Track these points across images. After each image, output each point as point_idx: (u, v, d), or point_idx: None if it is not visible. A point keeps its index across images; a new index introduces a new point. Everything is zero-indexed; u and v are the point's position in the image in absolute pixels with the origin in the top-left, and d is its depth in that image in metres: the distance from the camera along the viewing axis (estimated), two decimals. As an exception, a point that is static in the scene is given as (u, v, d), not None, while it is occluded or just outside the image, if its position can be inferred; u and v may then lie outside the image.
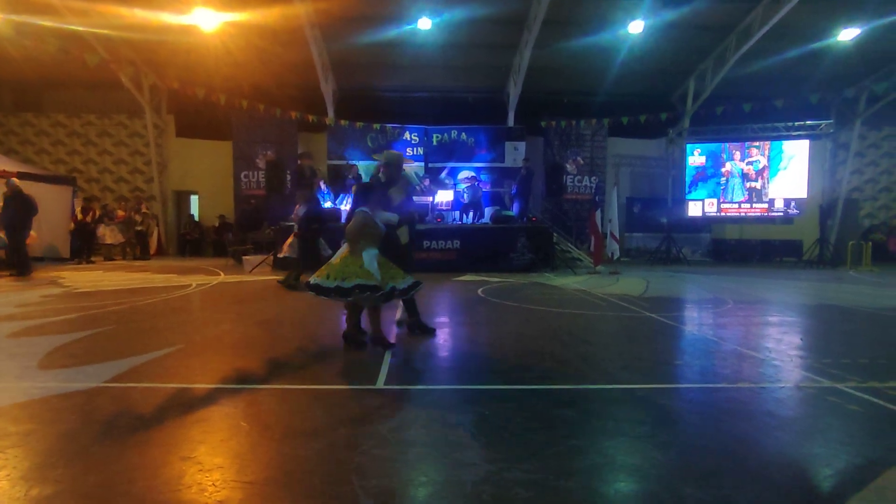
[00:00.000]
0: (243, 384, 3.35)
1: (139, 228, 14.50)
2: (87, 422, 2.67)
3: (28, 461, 2.23)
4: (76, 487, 2.02)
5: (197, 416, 2.77)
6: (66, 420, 2.69)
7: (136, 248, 14.53)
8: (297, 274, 8.14)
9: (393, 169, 5.01)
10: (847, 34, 13.03)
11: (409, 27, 13.10)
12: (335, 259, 4.31)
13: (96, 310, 6.08)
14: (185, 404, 2.95)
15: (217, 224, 16.14)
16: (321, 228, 8.44)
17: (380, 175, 5.03)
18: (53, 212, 12.59)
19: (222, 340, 4.65)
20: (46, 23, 11.54)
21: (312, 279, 4.24)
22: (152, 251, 15.12)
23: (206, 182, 16.53)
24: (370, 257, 4.15)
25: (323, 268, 4.33)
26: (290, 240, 9.05)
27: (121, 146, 16.39)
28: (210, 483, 2.05)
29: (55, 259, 12.59)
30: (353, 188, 4.78)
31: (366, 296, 4.07)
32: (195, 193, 17.24)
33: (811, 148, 15.38)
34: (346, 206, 12.42)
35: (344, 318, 4.76)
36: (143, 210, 14.86)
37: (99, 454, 2.30)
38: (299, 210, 8.43)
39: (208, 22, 12.10)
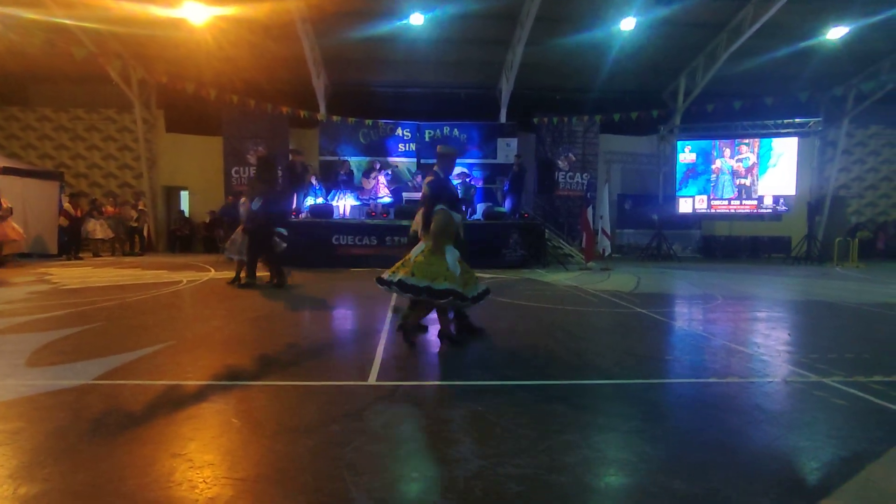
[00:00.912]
0: (234, 381, 3.34)
1: (134, 224, 14.35)
2: (75, 419, 2.65)
3: (16, 459, 2.20)
4: (65, 486, 2.01)
5: (187, 413, 2.76)
6: (54, 418, 2.67)
7: (126, 244, 14.39)
8: (252, 271, 7.67)
9: (448, 162, 4.96)
10: (835, 33, 13.17)
11: (402, 22, 13.04)
12: (416, 256, 4.23)
13: (85, 306, 6.01)
14: (176, 401, 2.93)
15: (207, 220, 16.01)
16: (272, 231, 7.82)
17: (436, 169, 4.90)
18: (40, 208, 12.43)
19: (213, 337, 4.63)
20: (32, 16, 11.34)
21: (392, 275, 4.20)
22: (143, 247, 14.98)
23: (196, 178, 16.38)
24: (454, 259, 4.14)
25: (400, 264, 4.29)
26: (234, 236, 8.09)
27: (109, 141, 16.20)
28: (201, 480, 2.04)
29: (42, 255, 12.43)
30: (427, 184, 4.58)
31: (450, 300, 4.04)
32: (185, 189, 17.09)
33: (800, 145, 15.54)
34: (338, 201, 12.41)
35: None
36: (141, 207, 14.71)
37: (88, 452, 2.29)
38: (253, 204, 7.63)
39: (198, 16, 11.97)
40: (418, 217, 4.94)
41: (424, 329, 4.97)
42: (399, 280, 4.12)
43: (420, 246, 4.35)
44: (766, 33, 13.13)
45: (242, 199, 7.95)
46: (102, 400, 2.94)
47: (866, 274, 11.44)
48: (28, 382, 3.24)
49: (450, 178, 4.90)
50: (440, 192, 4.45)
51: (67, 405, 2.85)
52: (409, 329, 4.32)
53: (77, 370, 3.50)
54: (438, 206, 4.27)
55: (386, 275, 4.33)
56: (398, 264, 4.36)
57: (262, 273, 8.06)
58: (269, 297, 7.06)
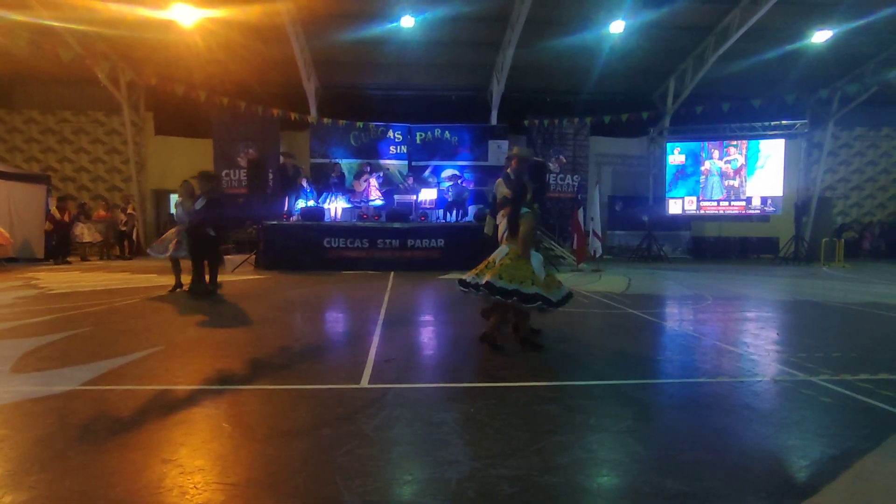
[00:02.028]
0: (225, 385, 3.31)
1: (123, 228, 14.20)
2: (63, 426, 2.61)
3: (1, 467, 2.17)
4: (52, 493, 1.98)
5: (178, 418, 2.73)
6: (41, 424, 2.63)
7: (115, 247, 14.23)
8: (214, 276, 7.30)
9: (524, 164, 4.92)
10: (820, 36, 13.37)
11: (392, 25, 13.04)
12: (502, 259, 4.19)
13: (73, 311, 5.93)
14: (166, 406, 2.90)
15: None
16: (221, 236, 7.54)
17: (508, 171, 4.86)
18: (27, 211, 12.27)
19: (203, 341, 4.59)
20: (17, 17, 11.20)
21: (477, 277, 4.17)
22: (133, 250, 14.83)
23: (185, 181, 16.23)
24: (539, 263, 4.13)
25: (484, 266, 4.25)
26: (165, 235, 7.62)
27: (97, 144, 16.03)
28: (191, 486, 2.02)
29: (29, 259, 12.26)
30: (506, 187, 4.51)
31: (538, 305, 4.01)
32: (174, 193, 16.93)
33: (787, 147, 15.74)
34: (329, 204, 12.37)
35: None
36: (130, 210, 14.56)
37: (76, 459, 2.25)
38: (196, 203, 7.18)
39: (187, 17, 11.88)
40: (488, 220, 4.89)
41: (503, 333, 4.87)
42: (487, 282, 4.06)
43: (504, 249, 4.30)
44: (753, 36, 13.30)
45: (179, 199, 7.52)
46: (90, 406, 2.90)
47: (852, 274, 11.60)
48: (13, 389, 3.19)
49: (522, 181, 4.83)
50: (523, 194, 4.39)
51: (54, 411, 2.82)
52: (491, 336, 4.28)
53: (64, 376, 3.46)
54: (525, 210, 4.24)
55: (468, 277, 4.30)
56: (481, 267, 4.32)
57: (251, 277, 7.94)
58: (260, 300, 7.01)
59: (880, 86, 14.19)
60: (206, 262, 7.19)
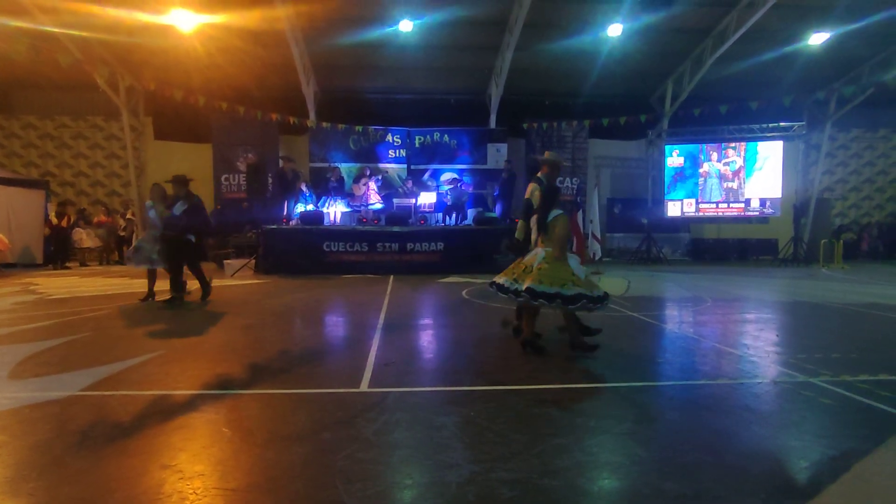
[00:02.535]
0: (225, 390, 3.31)
1: (122, 234, 14.19)
2: (61, 432, 2.60)
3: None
4: (51, 499, 1.97)
5: (177, 424, 2.72)
6: (39, 431, 2.62)
7: (114, 252, 14.22)
8: (181, 285, 6.92)
9: (556, 170, 4.91)
10: (817, 38, 13.42)
11: (391, 29, 13.08)
12: (539, 263, 4.18)
13: (71, 316, 5.93)
14: (165, 412, 2.89)
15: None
16: (201, 242, 7.26)
17: (539, 175, 4.87)
18: (26, 216, 12.27)
19: (203, 346, 4.58)
20: (17, 23, 11.22)
21: (514, 283, 4.16)
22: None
23: (185, 185, 16.23)
24: (576, 263, 4.13)
25: (522, 270, 4.23)
26: (140, 243, 7.13)
27: (96, 149, 16.03)
28: (191, 491, 2.02)
29: (28, 265, 12.25)
30: (541, 191, 4.49)
31: (582, 304, 4.00)
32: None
33: (784, 149, 15.77)
34: (328, 208, 12.38)
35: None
36: (129, 216, 14.56)
37: (74, 465, 2.25)
38: (175, 209, 6.86)
39: (186, 23, 11.91)
40: (520, 224, 4.86)
41: (538, 336, 4.85)
42: (529, 288, 4.05)
43: (539, 252, 4.28)
44: (751, 39, 13.35)
45: (148, 202, 7.11)
46: (89, 411, 2.90)
47: (851, 275, 11.62)
48: (11, 395, 3.18)
49: (554, 184, 4.82)
50: (554, 197, 4.39)
51: (53, 417, 2.81)
52: (531, 341, 4.26)
53: (63, 381, 3.45)
54: (558, 212, 4.24)
55: (503, 281, 4.28)
56: (517, 271, 4.30)
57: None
58: (260, 304, 7.01)
59: (877, 88, 14.23)
60: (185, 268, 6.97)
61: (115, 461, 2.28)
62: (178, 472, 2.17)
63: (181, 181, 7.10)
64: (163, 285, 7.11)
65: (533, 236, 4.52)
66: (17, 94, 15.73)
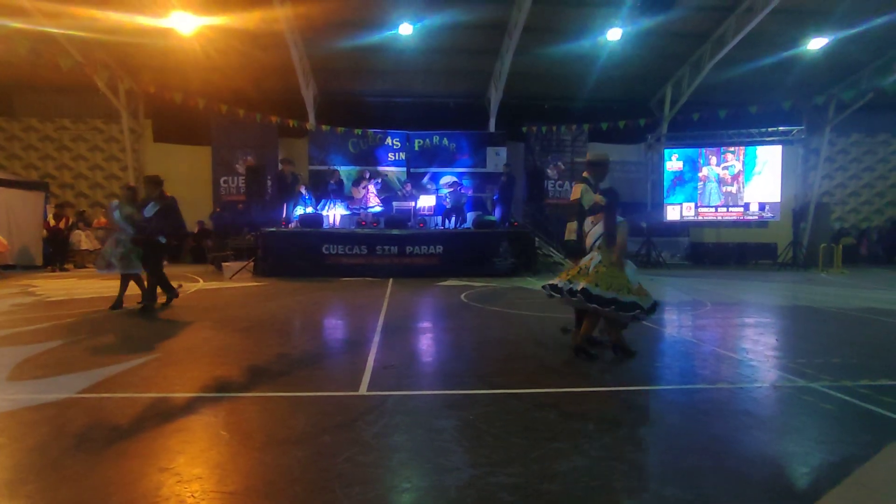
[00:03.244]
0: (223, 393, 3.30)
1: None
2: (59, 434, 2.59)
3: (-3, 476, 2.15)
4: (48, 502, 1.96)
5: (175, 426, 2.71)
6: (36, 433, 2.61)
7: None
8: (153, 292, 6.68)
9: (601, 169, 4.86)
10: (816, 43, 13.47)
11: (391, 32, 13.12)
12: (597, 266, 4.16)
13: (70, 319, 5.91)
14: (163, 414, 2.88)
15: (196, 230, 15.87)
16: (172, 244, 6.97)
17: (584, 175, 4.80)
18: (25, 219, 12.25)
19: (201, 348, 4.57)
20: (17, 25, 11.24)
21: (569, 283, 4.15)
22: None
23: (184, 188, 16.21)
24: (633, 271, 4.13)
25: (576, 272, 4.22)
26: (106, 247, 6.70)
27: (96, 151, 16.04)
28: (189, 494, 2.01)
29: (27, 267, 12.23)
30: (602, 196, 4.44)
31: (636, 313, 4.01)
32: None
33: (784, 153, 15.80)
34: (328, 210, 12.38)
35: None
36: None
37: (72, 467, 2.24)
38: (146, 210, 6.57)
39: (186, 25, 11.94)
40: (570, 226, 4.84)
41: (598, 343, 4.80)
42: (584, 289, 4.03)
43: (596, 256, 4.26)
44: (749, 43, 13.40)
45: (114, 202, 6.77)
46: (87, 414, 2.89)
47: (850, 279, 11.62)
48: (9, 397, 3.17)
49: (600, 185, 4.77)
50: (616, 202, 4.36)
51: (50, 419, 2.80)
52: (584, 347, 4.25)
53: (60, 384, 3.44)
54: (620, 219, 4.23)
55: (558, 282, 4.27)
56: (573, 273, 4.29)
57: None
58: (259, 307, 7.00)
59: (875, 92, 14.29)
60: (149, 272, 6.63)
61: (112, 464, 2.27)
62: (176, 475, 2.16)
63: (154, 182, 6.83)
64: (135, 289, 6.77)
65: (588, 241, 4.50)
66: (18, 96, 15.75)
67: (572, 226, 4.80)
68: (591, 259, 4.26)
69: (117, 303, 6.57)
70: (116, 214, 6.57)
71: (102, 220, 13.98)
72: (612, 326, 4.29)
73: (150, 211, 6.59)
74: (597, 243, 4.31)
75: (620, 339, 4.29)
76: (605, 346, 4.49)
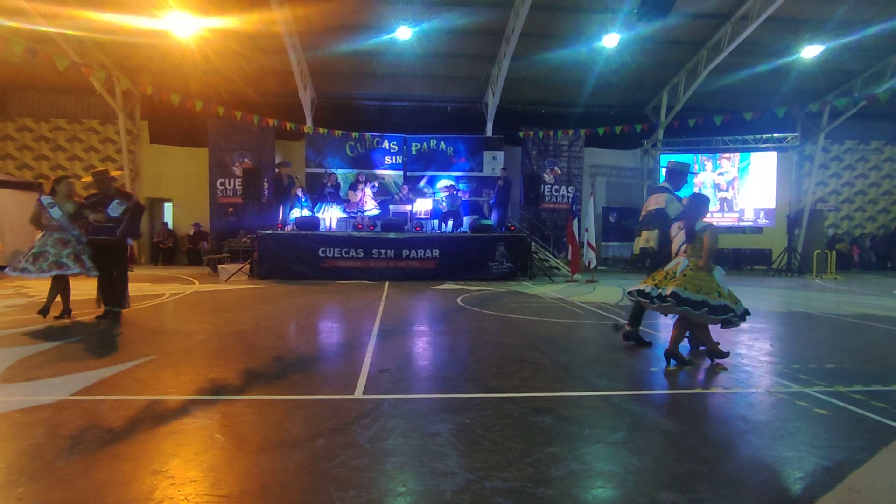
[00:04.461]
0: (218, 395, 3.28)
1: None
2: (52, 436, 2.57)
3: (-12, 479, 2.13)
4: (40, 505, 1.95)
5: (169, 429, 2.70)
6: (29, 435, 2.59)
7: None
8: (123, 296, 6.17)
9: (680, 177, 4.87)
10: (810, 51, 13.61)
11: (389, 36, 13.15)
12: (684, 270, 4.17)
13: (63, 320, 5.87)
14: (157, 417, 2.87)
15: (192, 232, 15.82)
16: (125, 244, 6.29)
17: (665, 184, 4.89)
18: (19, 220, 12.16)
19: (196, 351, 4.55)
20: (14, 24, 11.21)
21: (656, 288, 4.15)
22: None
23: (180, 189, 16.22)
24: (721, 276, 4.14)
25: (662, 277, 4.22)
26: (46, 248, 5.83)
27: (91, 152, 15.98)
28: (182, 498, 2.00)
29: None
30: (688, 200, 4.45)
31: (729, 316, 4.02)
32: (169, 201, 16.90)
33: (778, 160, 15.93)
34: (324, 213, 12.37)
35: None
36: None
37: (65, 470, 2.22)
38: (110, 209, 5.93)
39: (184, 27, 11.93)
40: (647, 234, 4.86)
41: (649, 344, 4.89)
42: (673, 293, 4.04)
43: (682, 261, 4.28)
44: (745, 51, 13.53)
45: (46, 198, 5.94)
46: (80, 416, 2.87)
47: (844, 285, 11.70)
48: (2, 399, 3.14)
49: (678, 193, 4.84)
50: (700, 208, 4.39)
51: (43, 422, 2.78)
52: (675, 350, 4.25)
53: (54, 385, 3.42)
54: (707, 224, 4.25)
55: (645, 287, 4.27)
56: (659, 278, 4.29)
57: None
58: (255, 309, 6.98)
59: (869, 100, 14.42)
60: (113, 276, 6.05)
61: (106, 466, 2.26)
62: (170, 477, 2.15)
63: (107, 178, 6.18)
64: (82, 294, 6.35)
65: (674, 246, 4.51)
66: (13, 96, 15.70)
67: (649, 234, 4.82)
68: (678, 264, 4.29)
69: (67, 309, 5.96)
70: (57, 212, 5.85)
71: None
72: (703, 331, 4.28)
73: (115, 210, 5.94)
74: (682, 248, 4.35)
75: (713, 345, 4.28)
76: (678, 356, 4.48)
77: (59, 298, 5.99)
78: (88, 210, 5.99)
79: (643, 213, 5.08)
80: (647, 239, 4.89)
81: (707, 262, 4.17)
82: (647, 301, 4.32)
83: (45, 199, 5.93)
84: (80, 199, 6.24)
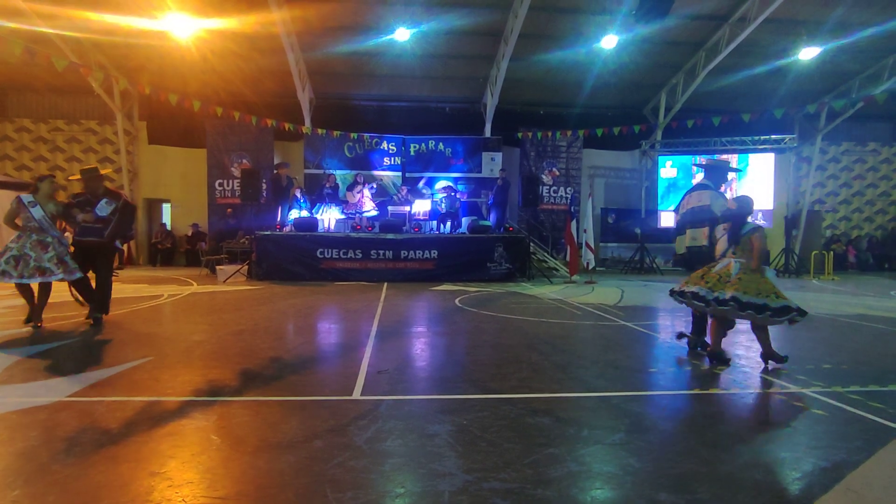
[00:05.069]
0: (215, 397, 3.27)
1: None
2: (48, 438, 2.56)
3: (-16, 481, 2.13)
4: (36, 507, 1.94)
5: (167, 430, 2.69)
6: (25, 437, 2.58)
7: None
8: (106, 301, 5.89)
9: (721, 174, 4.84)
10: (807, 53, 13.65)
11: (387, 37, 13.16)
12: (739, 273, 4.16)
13: (60, 322, 5.86)
14: (155, 418, 2.86)
15: (190, 233, 15.80)
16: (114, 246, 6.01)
17: (705, 181, 4.84)
18: (16, 220, 12.15)
19: (194, 352, 4.54)
20: (12, 25, 11.19)
21: (713, 292, 4.14)
22: (122, 261, 14.71)
23: (179, 190, 16.19)
24: (773, 276, 4.16)
25: (716, 280, 4.21)
26: (35, 250, 5.37)
27: (90, 153, 15.94)
28: (180, 499, 1.99)
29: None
30: (735, 202, 4.42)
31: (792, 316, 4.03)
32: (167, 202, 16.88)
33: (776, 161, 15.95)
34: (322, 214, 12.36)
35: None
36: None
37: (61, 472, 2.21)
38: (98, 208, 5.65)
39: (182, 28, 11.92)
40: (694, 232, 4.84)
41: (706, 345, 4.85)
42: (733, 297, 4.04)
43: (732, 263, 4.26)
44: (743, 52, 13.56)
45: (26, 196, 5.52)
46: (77, 417, 2.86)
47: (841, 286, 11.72)
48: (-1, 400, 3.13)
49: (719, 188, 4.82)
50: (748, 209, 4.39)
51: (39, 423, 2.77)
52: (718, 352, 4.27)
53: (50, 387, 3.41)
54: (754, 224, 4.25)
55: (698, 290, 4.26)
56: (710, 280, 4.26)
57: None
58: (253, 311, 6.96)
59: (866, 102, 14.47)
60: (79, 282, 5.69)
61: (102, 468, 2.25)
62: (167, 479, 2.15)
63: (97, 175, 5.85)
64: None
65: (720, 247, 4.50)
66: (12, 96, 15.66)
67: (694, 232, 4.79)
68: (728, 266, 4.27)
69: (38, 317, 5.48)
70: (39, 212, 5.42)
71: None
72: (763, 333, 4.27)
73: (104, 210, 5.65)
74: (731, 249, 4.34)
75: (770, 348, 4.27)
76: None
77: (25, 301, 5.52)
78: (77, 210, 5.65)
79: (682, 211, 5.03)
80: (693, 237, 4.87)
81: (758, 264, 4.19)
82: (703, 304, 4.28)
83: (26, 198, 5.49)
84: (65, 198, 5.95)
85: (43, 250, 5.35)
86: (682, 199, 5.11)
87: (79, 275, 5.55)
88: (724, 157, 15.43)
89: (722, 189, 5.02)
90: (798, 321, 4.15)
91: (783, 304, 4.04)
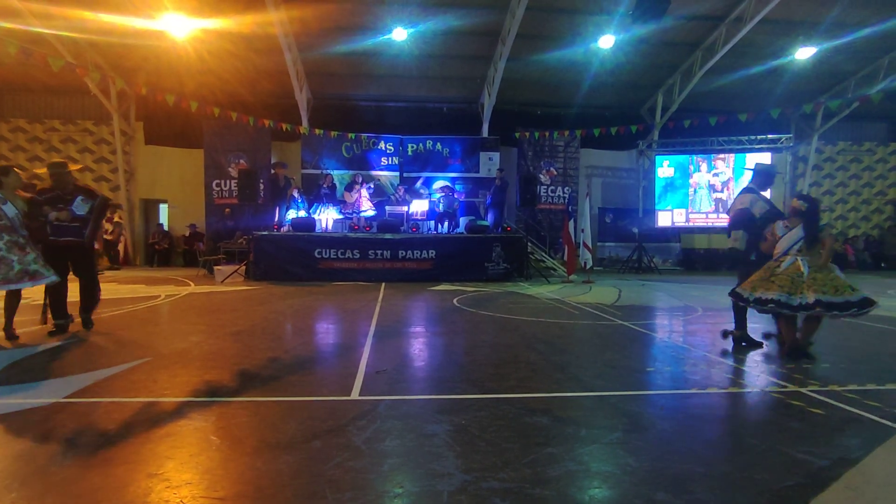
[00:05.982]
0: (214, 397, 3.27)
1: (108, 238, 14.05)
2: (45, 440, 2.56)
3: (-19, 483, 2.12)
4: (34, 509, 1.93)
5: (165, 432, 2.68)
6: (22, 439, 2.57)
7: (103, 257, 14.06)
8: (91, 306, 5.60)
9: (767, 178, 4.96)
10: (804, 53, 13.71)
11: (385, 37, 13.15)
12: (811, 273, 4.17)
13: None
14: (153, 419, 2.85)
15: (187, 233, 15.76)
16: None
17: (751, 185, 4.94)
18: (12, 221, 12.10)
19: (192, 352, 4.53)
20: (7, 25, 11.14)
21: (792, 296, 4.14)
22: (119, 261, 14.68)
23: (176, 191, 16.15)
24: (839, 271, 4.18)
25: (789, 282, 4.21)
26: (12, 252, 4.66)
27: (86, 153, 15.89)
28: (178, 500, 1.99)
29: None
30: (801, 201, 4.43)
31: (873, 308, 4.10)
32: (164, 202, 16.84)
33: (773, 160, 15.99)
34: (320, 214, 12.35)
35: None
36: (117, 219, 14.44)
37: (59, 474, 2.20)
38: (75, 206, 5.18)
39: (179, 28, 11.89)
40: (735, 234, 4.94)
41: (760, 345, 4.94)
42: (817, 300, 4.06)
43: (798, 261, 4.27)
44: (739, 52, 13.61)
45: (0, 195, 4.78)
46: (74, 419, 2.85)
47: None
48: (-4, 402, 3.12)
49: (763, 191, 4.95)
50: (817, 207, 4.44)
51: (36, 425, 2.76)
52: (803, 347, 4.31)
53: (48, 388, 3.39)
54: (825, 224, 4.34)
55: (773, 295, 4.24)
56: (783, 284, 4.24)
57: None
58: (250, 311, 6.95)
59: (862, 102, 14.54)
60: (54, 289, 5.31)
61: (100, 470, 2.24)
62: (166, 480, 2.14)
63: (64, 170, 5.30)
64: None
65: (781, 245, 4.50)
66: (7, 97, 15.60)
67: (737, 234, 4.93)
68: (796, 265, 4.28)
69: (9, 327, 5.01)
70: (11, 209, 4.77)
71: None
72: (812, 328, 4.34)
73: (81, 208, 5.20)
74: (796, 247, 4.36)
75: (795, 340, 4.35)
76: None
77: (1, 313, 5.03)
78: (48, 207, 5.05)
79: (731, 213, 5.18)
80: (735, 239, 5.02)
81: (827, 262, 4.25)
82: (788, 311, 4.25)
83: None
84: (30, 194, 5.24)
85: (21, 252, 4.71)
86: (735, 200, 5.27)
87: (57, 278, 4.97)
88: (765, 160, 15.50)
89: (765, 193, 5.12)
90: (869, 312, 4.23)
91: (862, 297, 4.11)
